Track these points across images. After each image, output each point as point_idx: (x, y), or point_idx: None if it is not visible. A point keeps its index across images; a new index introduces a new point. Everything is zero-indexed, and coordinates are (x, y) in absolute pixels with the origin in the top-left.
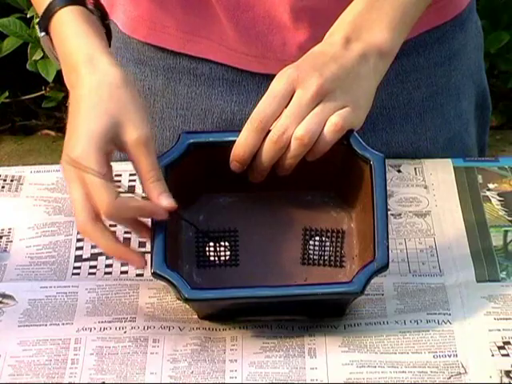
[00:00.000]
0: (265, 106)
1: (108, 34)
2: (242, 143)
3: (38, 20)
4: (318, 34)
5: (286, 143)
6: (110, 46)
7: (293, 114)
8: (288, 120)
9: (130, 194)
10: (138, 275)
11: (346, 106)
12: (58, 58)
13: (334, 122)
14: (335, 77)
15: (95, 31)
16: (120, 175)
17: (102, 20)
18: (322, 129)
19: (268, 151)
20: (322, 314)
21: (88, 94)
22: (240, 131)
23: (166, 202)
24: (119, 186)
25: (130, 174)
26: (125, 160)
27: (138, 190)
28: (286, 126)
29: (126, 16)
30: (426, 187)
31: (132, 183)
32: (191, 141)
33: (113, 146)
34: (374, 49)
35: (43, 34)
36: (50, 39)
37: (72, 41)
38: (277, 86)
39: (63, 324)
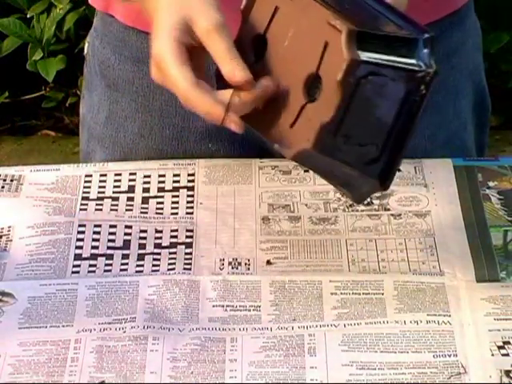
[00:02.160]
0: None
1: None
2: None
3: None
4: None
5: None
6: None
7: None
8: None
9: (130, 194)
10: (137, 272)
11: None
12: None
13: None
14: None
15: None
16: (120, 174)
17: None
18: None
19: None
20: None
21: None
22: None
23: (242, 76)
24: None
25: (130, 174)
26: (125, 160)
27: (139, 190)
28: None
29: (125, 8)
30: (425, 186)
31: (132, 183)
32: None
33: (189, 38)
34: None
35: None
36: None
37: None
38: None
39: (63, 326)
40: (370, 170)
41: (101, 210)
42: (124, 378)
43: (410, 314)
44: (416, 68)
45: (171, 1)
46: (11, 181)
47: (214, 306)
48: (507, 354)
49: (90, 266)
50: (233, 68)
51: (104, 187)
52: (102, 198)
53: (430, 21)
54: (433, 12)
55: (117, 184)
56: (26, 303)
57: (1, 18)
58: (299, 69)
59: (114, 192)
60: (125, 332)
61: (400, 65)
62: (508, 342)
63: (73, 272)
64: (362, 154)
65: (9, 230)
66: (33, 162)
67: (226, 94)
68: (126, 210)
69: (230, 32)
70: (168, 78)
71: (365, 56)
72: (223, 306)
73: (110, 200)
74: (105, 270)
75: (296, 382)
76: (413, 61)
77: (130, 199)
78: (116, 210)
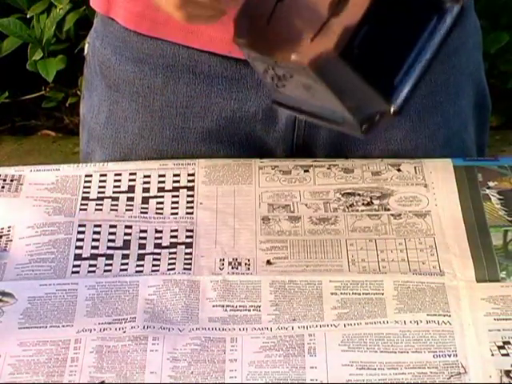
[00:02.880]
0: None
1: None
2: None
3: None
4: None
5: None
6: None
7: None
8: None
9: (130, 194)
10: (137, 272)
11: None
12: None
13: None
14: None
15: None
16: (120, 174)
17: None
18: None
19: None
20: None
21: None
22: None
23: None
24: None
25: (130, 174)
26: (125, 158)
27: (139, 189)
28: None
29: (126, 12)
30: (425, 186)
31: (132, 183)
32: None
33: None
34: None
35: None
36: None
37: None
38: None
39: (63, 326)
40: (384, 88)
41: (101, 210)
42: (124, 378)
43: (410, 314)
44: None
45: None
46: (11, 181)
47: (213, 306)
48: (507, 354)
49: (90, 266)
50: None
51: (104, 187)
52: (101, 198)
53: None
54: None
55: (117, 184)
56: (26, 303)
57: (1, 17)
58: None
59: (114, 192)
60: (125, 332)
61: None
62: (508, 342)
63: (73, 272)
64: (380, 70)
65: (9, 230)
66: (33, 162)
67: None
68: (126, 210)
69: None
70: None
71: None
72: (223, 306)
73: (110, 200)
74: (105, 270)
75: (296, 381)
76: None
77: (130, 199)
78: (116, 210)
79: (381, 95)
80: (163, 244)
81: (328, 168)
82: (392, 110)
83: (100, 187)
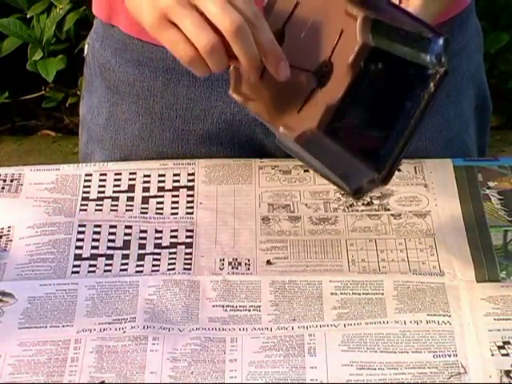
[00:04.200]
0: None
1: None
2: None
3: None
4: None
5: None
6: None
7: None
8: None
9: (130, 194)
10: (137, 272)
11: None
12: None
13: None
14: None
15: None
16: (120, 174)
17: None
18: None
19: None
20: None
21: None
22: None
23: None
24: None
25: (130, 173)
26: (125, 160)
27: (138, 189)
28: None
29: (128, 20)
30: (425, 186)
31: (132, 182)
32: None
33: None
34: None
35: None
36: None
37: None
38: None
39: (63, 326)
40: (370, 159)
41: (101, 210)
42: (124, 378)
43: (410, 314)
44: (428, 65)
45: None
46: (11, 181)
47: (214, 306)
48: (507, 354)
49: (90, 266)
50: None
51: (104, 186)
52: (101, 198)
53: (433, 25)
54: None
55: (117, 183)
56: (26, 303)
57: (1, 17)
58: (313, 57)
59: (113, 192)
60: (125, 332)
61: (412, 59)
62: (508, 342)
63: (73, 272)
64: (365, 142)
65: (9, 230)
66: (33, 162)
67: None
68: (126, 210)
69: None
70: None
71: (378, 43)
72: (223, 306)
73: (110, 200)
74: (105, 270)
75: (296, 381)
76: (425, 57)
77: (130, 199)
78: (116, 210)
79: (367, 165)
80: (163, 244)
81: None
82: (380, 177)
83: (100, 187)
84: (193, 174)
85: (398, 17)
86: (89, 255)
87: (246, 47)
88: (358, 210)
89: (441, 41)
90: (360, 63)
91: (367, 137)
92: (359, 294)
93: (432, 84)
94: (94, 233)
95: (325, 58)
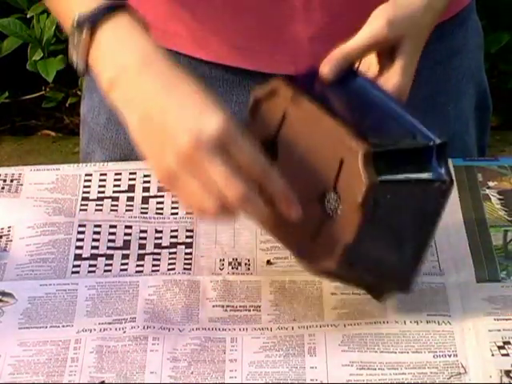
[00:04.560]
0: None
1: None
2: None
3: (76, 19)
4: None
5: None
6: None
7: None
8: None
9: (130, 194)
10: (137, 272)
11: None
12: (94, 58)
13: None
14: None
15: (147, 35)
16: (120, 174)
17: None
18: None
19: None
20: None
21: (186, 74)
22: None
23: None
24: None
25: (130, 173)
26: (125, 159)
27: (138, 189)
28: None
29: None
30: None
31: (132, 182)
32: None
33: None
34: None
35: (85, 35)
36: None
37: (125, 44)
38: None
39: (63, 326)
40: (392, 279)
41: (101, 210)
42: (124, 378)
43: (410, 314)
44: (431, 179)
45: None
46: (11, 181)
47: (214, 306)
48: (507, 354)
49: (90, 266)
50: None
51: (104, 186)
52: (101, 198)
53: None
54: None
55: (117, 183)
56: (26, 303)
57: (1, 17)
58: (315, 182)
59: (114, 191)
60: (125, 332)
61: (416, 178)
62: (508, 342)
63: (73, 272)
64: (384, 268)
65: (9, 230)
66: (33, 162)
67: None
68: (126, 210)
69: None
70: (244, 155)
71: (383, 177)
72: (223, 306)
73: (110, 200)
74: (105, 270)
75: (296, 381)
76: (428, 173)
77: (130, 199)
78: (116, 210)
79: (388, 283)
80: (163, 244)
81: None
82: (402, 292)
83: (100, 186)
84: None
85: (390, 124)
86: (89, 255)
87: (253, 211)
88: None
89: (439, 148)
90: (370, 201)
91: (386, 261)
92: (359, 294)
93: (440, 196)
94: (94, 233)
95: (328, 186)
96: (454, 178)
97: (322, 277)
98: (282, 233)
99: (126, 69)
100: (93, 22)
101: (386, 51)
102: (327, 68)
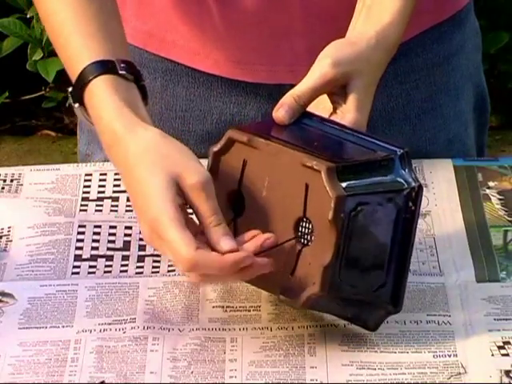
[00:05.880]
0: None
1: (143, 94)
2: None
3: (70, 90)
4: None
5: None
6: (146, 104)
7: None
8: None
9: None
10: (137, 273)
11: None
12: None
13: None
14: None
15: (127, 101)
16: (119, 174)
17: (136, 82)
18: None
19: None
20: None
21: (136, 160)
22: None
23: (226, 245)
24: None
25: None
26: None
27: None
28: None
29: (134, 30)
30: (426, 186)
31: None
32: None
33: (180, 198)
34: None
35: (77, 105)
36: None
37: (106, 114)
38: None
39: (63, 326)
40: (380, 296)
41: (101, 210)
42: (124, 378)
43: (410, 314)
44: (399, 187)
45: (153, 160)
46: (11, 181)
47: (213, 307)
48: (507, 354)
49: (90, 267)
50: (218, 237)
51: (104, 186)
52: (101, 199)
53: (431, 24)
54: (434, 17)
55: (117, 183)
56: (26, 304)
57: (1, 18)
58: (285, 215)
59: (113, 191)
60: (125, 332)
61: (383, 188)
62: (508, 342)
63: (73, 273)
64: (369, 283)
65: (9, 231)
66: (33, 162)
67: (230, 256)
68: (126, 210)
69: (213, 191)
70: (169, 243)
71: (349, 190)
72: (223, 307)
73: (110, 201)
74: (105, 271)
75: (296, 381)
76: (394, 181)
77: None
78: (116, 210)
79: (379, 303)
80: None
81: None
82: (394, 308)
83: (100, 186)
84: None
85: (349, 147)
86: (89, 256)
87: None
88: None
89: (401, 157)
90: (340, 215)
91: (370, 277)
92: None
93: (411, 203)
94: (94, 233)
95: (299, 215)
96: (421, 185)
97: (311, 309)
98: (261, 280)
99: (103, 141)
100: (77, 96)
101: (338, 90)
102: (281, 112)
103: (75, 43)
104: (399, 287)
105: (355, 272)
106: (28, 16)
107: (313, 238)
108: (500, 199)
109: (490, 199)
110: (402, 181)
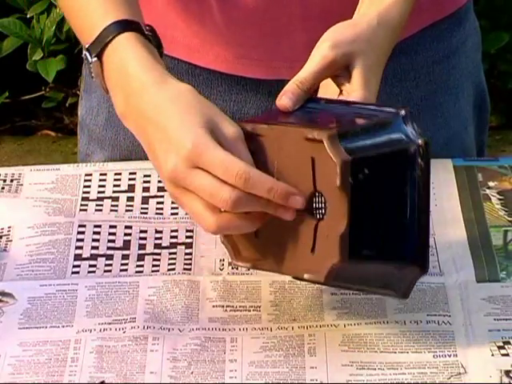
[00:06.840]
0: None
1: None
2: None
3: (87, 46)
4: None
5: None
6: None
7: None
8: None
9: (130, 194)
10: (137, 272)
11: None
12: (106, 84)
13: None
14: None
15: (156, 57)
16: (120, 174)
17: (158, 49)
18: None
19: None
20: None
21: (171, 102)
22: None
23: (278, 184)
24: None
25: (130, 173)
26: (125, 160)
27: (138, 189)
28: None
29: None
30: None
31: (132, 182)
32: None
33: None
34: None
35: (95, 59)
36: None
37: (134, 65)
38: None
39: (63, 326)
40: (405, 258)
41: (101, 210)
42: (124, 378)
43: (410, 314)
44: (405, 146)
45: (190, 102)
46: (11, 181)
47: (214, 307)
48: (507, 354)
49: (90, 266)
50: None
51: (104, 186)
52: (101, 199)
53: (430, 22)
54: (434, 14)
55: (117, 183)
56: (26, 303)
57: (1, 18)
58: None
59: (113, 191)
60: (125, 332)
61: (389, 148)
62: (508, 342)
63: (73, 272)
64: (390, 245)
65: (9, 231)
66: (33, 162)
67: (282, 184)
68: (126, 210)
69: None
70: (218, 161)
71: (353, 153)
72: (223, 307)
73: (110, 200)
74: (105, 271)
75: (296, 381)
76: (400, 139)
77: (130, 199)
78: (116, 210)
79: (402, 265)
80: (163, 244)
81: None
82: (421, 271)
83: (100, 186)
84: None
85: (351, 116)
86: (89, 255)
87: (250, 208)
88: None
89: (404, 117)
90: (348, 180)
91: (391, 239)
92: (359, 294)
93: (419, 159)
94: (94, 233)
95: (310, 191)
96: (427, 140)
97: (337, 284)
98: (284, 264)
99: (122, 93)
100: (97, 51)
101: (342, 72)
102: (284, 100)
103: (95, 4)
104: (424, 246)
105: (374, 236)
106: (28, 16)
107: (327, 212)
108: (500, 199)
109: (490, 199)
110: (407, 139)
